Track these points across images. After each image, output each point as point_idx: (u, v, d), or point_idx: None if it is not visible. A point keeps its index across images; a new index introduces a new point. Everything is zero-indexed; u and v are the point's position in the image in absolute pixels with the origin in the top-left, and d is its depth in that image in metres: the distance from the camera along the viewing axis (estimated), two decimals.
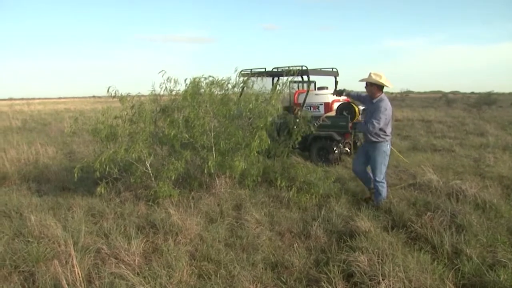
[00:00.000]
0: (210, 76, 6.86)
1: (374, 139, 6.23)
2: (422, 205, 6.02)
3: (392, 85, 6.28)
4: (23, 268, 4.38)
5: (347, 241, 4.77)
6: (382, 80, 6.08)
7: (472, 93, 60.74)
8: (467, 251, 4.38)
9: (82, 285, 3.86)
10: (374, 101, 6.21)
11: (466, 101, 33.74)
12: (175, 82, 6.80)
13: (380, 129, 6.10)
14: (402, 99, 44.16)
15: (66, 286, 3.76)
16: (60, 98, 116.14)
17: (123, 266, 4.18)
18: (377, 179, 6.29)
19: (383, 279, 3.75)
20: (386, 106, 6.08)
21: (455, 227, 5.04)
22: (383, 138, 6.19)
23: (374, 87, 6.19)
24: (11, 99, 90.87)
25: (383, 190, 6.32)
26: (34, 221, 5.40)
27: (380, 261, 4.05)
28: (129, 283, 3.86)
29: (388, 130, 6.21)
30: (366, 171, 6.70)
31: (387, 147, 6.26)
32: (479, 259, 4.23)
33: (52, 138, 15.35)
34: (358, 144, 10.54)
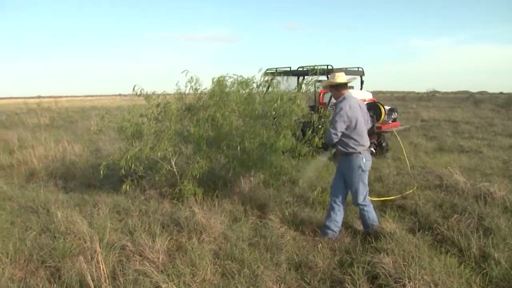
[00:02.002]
0: (234, 74, 6.87)
1: (344, 150, 5.07)
2: (448, 207, 5.92)
3: (345, 80, 5.11)
4: (49, 263, 4.44)
5: (372, 242, 4.71)
6: (334, 79, 5.10)
7: (501, 93, 59.51)
8: (495, 255, 4.28)
9: (107, 281, 3.89)
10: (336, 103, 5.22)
11: (494, 101, 33.12)
12: (197, 81, 6.82)
13: (350, 137, 4.97)
14: (428, 99, 43.54)
15: (91, 282, 3.80)
16: (86, 96, 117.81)
17: (147, 264, 4.21)
18: (358, 201, 5.18)
19: (408, 282, 3.69)
20: (343, 106, 4.94)
21: (482, 230, 4.93)
22: (353, 148, 4.99)
23: (333, 89, 5.20)
24: (39, 96, 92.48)
25: (368, 214, 5.20)
26: (60, 217, 5.48)
27: (405, 263, 3.99)
28: (153, 280, 3.88)
29: (361, 138, 5.00)
30: (343, 203, 5.38)
31: (362, 160, 5.01)
32: (507, 263, 4.14)
33: (79, 135, 15.59)
34: (384, 144, 10.44)
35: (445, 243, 4.78)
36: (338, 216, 5.23)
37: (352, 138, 4.97)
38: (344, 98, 5.05)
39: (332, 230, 5.18)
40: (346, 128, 4.93)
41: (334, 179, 5.43)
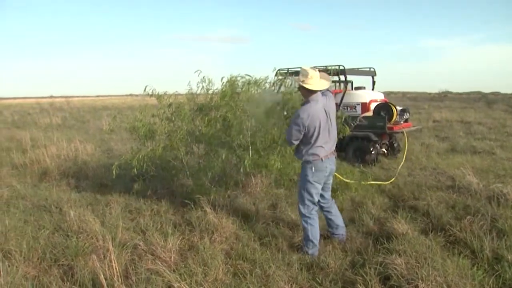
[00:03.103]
0: (246, 75, 6.86)
1: (297, 155, 4.84)
2: (461, 208, 5.86)
3: (317, 87, 4.54)
4: (62, 261, 4.47)
5: (384, 243, 4.69)
6: (303, 81, 4.54)
7: None
8: (509, 257, 4.23)
9: (120, 280, 3.90)
10: None
11: (507, 102, 32.78)
12: (210, 81, 6.82)
13: (303, 145, 4.67)
14: (440, 99, 43.26)
15: (104, 280, 3.81)
16: (98, 96, 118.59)
17: (159, 263, 4.22)
18: (301, 211, 4.81)
19: (421, 283, 3.66)
20: (301, 113, 4.49)
21: (495, 231, 4.88)
22: (303, 156, 4.68)
23: (302, 89, 4.67)
24: (51, 96, 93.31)
25: (308, 227, 4.72)
26: (73, 216, 5.52)
27: (418, 264, 3.96)
28: (165, 279, 3.88)
29: (313, 147, 4.59)
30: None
31: (311, 170, 4.65)
32: None
33: (91, 135, 15.70)
34: (395, 145, 10.41)
35: (458, 245, 4.74)
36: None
37: (303, 146, 4.66)
38: (308, 102, 4.58)
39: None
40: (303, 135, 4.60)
41: None
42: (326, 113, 4.62)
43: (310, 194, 4.73)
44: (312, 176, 4.66)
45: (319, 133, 4.55)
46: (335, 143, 4.87)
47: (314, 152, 4.60)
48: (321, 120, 4.55)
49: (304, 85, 4.52)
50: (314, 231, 4.74)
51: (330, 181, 5.04)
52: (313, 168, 4.64)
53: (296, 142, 4.67)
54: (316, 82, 4.55)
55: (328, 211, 5.09)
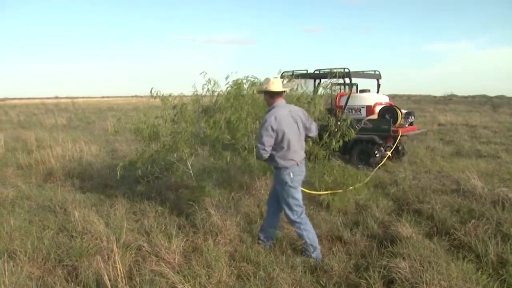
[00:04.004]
0: (252, 76, 6.85)
1: (271, 163, 4.81)
2: (466, 212, 5.85)
3: (280, 88, 4.64)
4: (66, 262, 4.49)
5: (388, 246, 4.68)
6: (267, 85, 4.64)
7: None
8: None
9: (124, 281, 3.91)
10: None
11: None
12: (216, 83, 6.82)
13: (276, 151, 4.62)
14: (445, 102, 43.19)
15: (108, 281, 3.82)
16: (103, 97, 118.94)
17: (163, 264, 4.23)
18: (290, 218, 4.76)
19: (425, 287, 3.66)
20: (267, 117, 4.54)
21: (500, 236, 4.87)
22: (278, 163, 4.63)
23: (266, 96, 4.76)
24: (56, 97, 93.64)
25: (308, 234, 4.69)
26: (77, 217, 5.54)
27: (422, 268, 3.95)
28: (169, 281, 3.89)
29: (288, 152, 4.59)
30: (275, 215, 5.02)
31: (289, 175, 4.62)
32: None
33: (96, 136, 15.75)
34: (400, 148, 10.38)
35: (462, 249, 4.73)
36: (269, 226, 4.99)
37: (277, 152, 4.61)
38: (272, 108, 4.66)
39: (261, 239, 5.02)
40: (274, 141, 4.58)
41: (270, 191, 5.21)
42: (292, 117, 4.68)
43: (295, 199, 4.71)
44: (292, 181, 4.65)
45: (289, 137, 4.57)
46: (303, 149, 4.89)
47: (290, 157, 4.61)
48: (289, 123, 4.61)
49: (268, 89, 4.62)
50: (311, 235, 4.72)
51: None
52: (291, 173, 4.63)
53: (269, 149, 4.58)
54: (278, 85, 4.64)
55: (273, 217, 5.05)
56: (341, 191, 6.53)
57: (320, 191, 6.57)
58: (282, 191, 4.71)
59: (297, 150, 4.67)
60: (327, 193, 6.47)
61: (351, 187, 6.68)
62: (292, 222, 4.78)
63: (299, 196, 4.75)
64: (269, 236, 5.00)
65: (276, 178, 4.78)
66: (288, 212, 4.73)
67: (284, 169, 4.63)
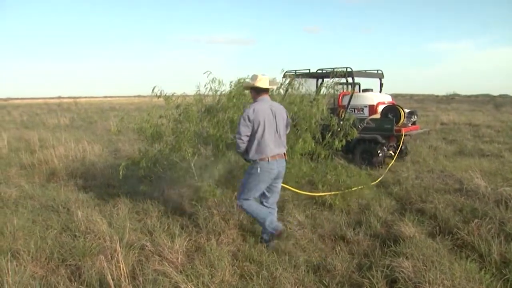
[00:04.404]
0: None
1: (245, 156, 4.98)
2: (469, 211, 5.83)
3: (266, 85, 4.82)
4: (70, 262, 4.49)
5: (391, 246, 4.68)
6: (254, 81, 4.83)
7: None
8: None
9: (127, 280, 3.91)
10: None
11: None
12: (220, 83, 6.82)
13: (249, 142, 4.79)
14: (448, 102, 43.14)
15: (111, 281, 3.82)
16: (105, 96, 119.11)
17: (166, 264, 4.24)
18: (239, 195, 5.04)
19: (428, 286, 3.66)
20: (247, 109, 4.79)
21: (503, 235, 4.84)
22: (249, 155, 4.82)
23: (253, 91, 4.97)
24: (59, 97, 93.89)
25: (251, 206, 4.95)
26: (81, 217, 5.55)
27: (425, 267, 3.95)
28: (172, 280, 3.90)
29: (259, 145, 4.73)
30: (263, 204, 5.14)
31: (257, 171, 4.76)
32: None
33: (98, 136, 15.78)
34: (403, 147, 10.36)
35: (465, 248, 4.72)
36: (263, 219, 4.96)
37: (251, 143, 4.77)
38: (255, 101, 4.90)
39: (264, 239, 5.04)
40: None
41: None
42: (272, 112, 4.82)
43: (250, 191, 4.91)
44: (257, 175, 4.79)
45: (264, 130, 4.70)
46: (285, 148, 5.02)
47: (261, 151, 4.73)
48: (266, 116, 4.75)
49: (255, 85, 4.81)
50: (258, 207, 4.98)
51: (278, 186, 5.13)
52: (259, 168, 4.76)
53: (245, 139, 4.76)
54: (265, 82, 4.83)
55: (270, 211, 5.11)
56: (345, 191, 6.56)
57: (322, 191, 6.59)
58: (244, 179, 4.96)
59: (270, 144, 4.76)
60: (328, 194, 6.48)
61: (354, 188, 6.69)
62: (238, 198, 5.06)
63: (255, 192, 4.93)
64: (274, 228, 4.93)
65: (248, 169, 4.98)
66: (241, 190, 5.00)
67: (254, 162, 4.81)
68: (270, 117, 4.79)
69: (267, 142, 4.73)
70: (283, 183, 5.43)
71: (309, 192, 6.57)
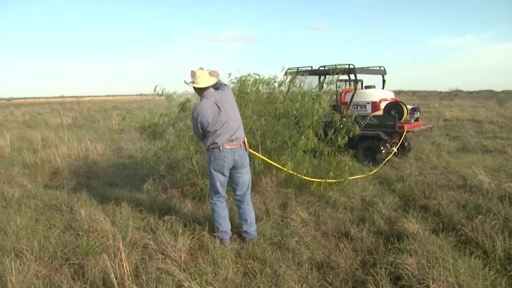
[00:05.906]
0: (256, 74, 6.84)
1: (205, 146, 5.10)
2: (472, 208, 5.81)
3: (206, 84, 4.78)
4: (73, 260, 4.49)
5: (395, 243, 4.65)
6: (195, 80, 4.79)
7: None
8: None
9: (130, 279, 3.91)
10: None
11: None
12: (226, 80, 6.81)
13: (206, 135, 4.88)
14: (451, 98, 43.05)
15: (115, 280, 3.82)
16: (108, 96, 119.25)
17: (169, 262, 4.23)
18: (209, 193, 5.22)
19: (432, 283, 3.63)
20: (193, 112, 4.87)
21: (508, 231, 4.82)
22: (205, 144, 4.97)
23: (195, 89, 4.93)
24: (62, 96, 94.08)
25: (213, 213, 5.14)
26: (84, 215, 5.55)
27: (429, 264, 3.92)
28: (175, 279, 3.89)
29: (209, 137, 4.84)
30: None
31: (211, 158, 4.89)
32: None
33: (101, 135, 15.77)
34: (406, 144, 10.34)
35: (469, 245, 4.69)
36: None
37: (207, 136, 4.87)
38: (201, 99, 4.89)
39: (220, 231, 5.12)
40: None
41: None
42: (218, 106, 4.77)
43: (213, 184, 5.03)
44: (211, 164, 4.91)
45: (214, 124, 4.75)
46: (241, 134, 5.02)
47: (213, 140, 4.81)
48: (212, 114, 4.74)
49: (194, 86, 4.82)
50: (218, 216, 5.08)
51: (243, 177, 5.11)
52: (212, 156, 4.88)
53: (201, 137, 4.99)
54: (205, 80, 4.81)
55: (238, 204, 5.21)
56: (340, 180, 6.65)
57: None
58: (207, 165, 5.05)
59: (222, 135, 4.80)
60: (323, 181, 6.66)
61: (350, 178, 6.73)
62: (210, 199, 5.19)
63: (217, 181, 4.98)
64: (222, 237, 5.04)
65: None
66: (209, 188, 5.13)
67: (208, 151, 4.96)
68: (216, 112, 4.76)
69: (219, 133, 4.78)
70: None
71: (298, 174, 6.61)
